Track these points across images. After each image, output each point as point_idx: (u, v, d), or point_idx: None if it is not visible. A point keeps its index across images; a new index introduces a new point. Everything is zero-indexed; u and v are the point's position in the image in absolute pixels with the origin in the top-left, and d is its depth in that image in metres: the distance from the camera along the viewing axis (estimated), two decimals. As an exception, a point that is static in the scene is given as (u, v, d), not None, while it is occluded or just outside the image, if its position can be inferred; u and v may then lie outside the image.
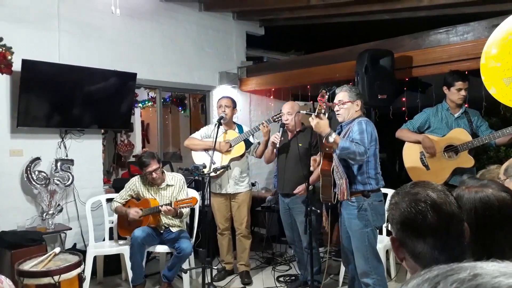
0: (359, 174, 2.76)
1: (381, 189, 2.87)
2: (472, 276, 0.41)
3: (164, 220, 3.56)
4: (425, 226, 0.99)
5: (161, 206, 3.39)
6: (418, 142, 3.34)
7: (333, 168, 2.82)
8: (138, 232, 3.40)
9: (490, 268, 0.42)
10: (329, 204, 2.99)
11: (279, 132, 3.43)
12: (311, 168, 3.08)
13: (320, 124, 2.64)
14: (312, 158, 3.07)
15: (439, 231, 0.98)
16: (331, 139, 2.63)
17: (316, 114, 2.66)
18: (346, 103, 2.82)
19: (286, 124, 3.47)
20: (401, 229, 1.03)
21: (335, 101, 2.87)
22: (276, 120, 3.62)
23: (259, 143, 3.81)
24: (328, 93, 2.72)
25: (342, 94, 2.85)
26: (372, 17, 4.82)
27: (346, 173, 2.74)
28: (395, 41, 3.96)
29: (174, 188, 3.61)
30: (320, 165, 2.91)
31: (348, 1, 4.29)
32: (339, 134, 2.80)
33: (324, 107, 2.69)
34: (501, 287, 0.39)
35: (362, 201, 2.74)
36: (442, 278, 0.42)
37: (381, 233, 3.29)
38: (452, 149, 3.21)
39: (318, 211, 3.22)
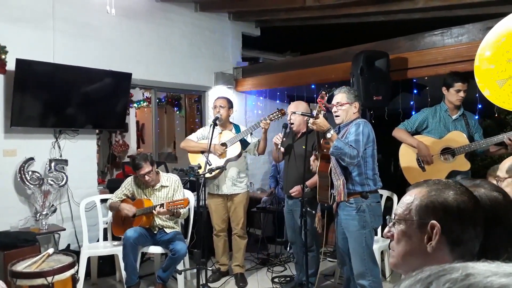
0: (357, 175, 2.76)
1: (378, 190, 2.88)
2: (464, 276, 0.41)
3: (158, 221, 3.55)
4: (479, 215, 0.99)
5: (155, 207, 3.38)
6: (414, 146, 3.34)
7: (330, 169, 2.82)
8: (130, 232, 3.39)
9: (481, 268, 0.43)
10: (326, 205, 3.00)
11: (281, 132, 3.41)
12: (312, 169, 3.09)
13: (318, 123, 2.66)
14: (311, 158, 3.07)
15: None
16: (329, 135, 2.66)
17: (315, 115, 2.67)
18: (344, 104, 2.83)
19: (291, 124, 3.46)
20: (450, 213, 0.98)
21: (333, 102, 2.88)
22: (273, 118, 3.61)
23: (259, 141, 3.81)
24: (327, 95, 2.73)
25: (341, 96, 2.86)
26: (367, 18, 4.83)
27: (343, 174, 2.75)
28: (391, 43, 3.97)
29: (169, 189, 3.60)
30: (318, 166, 2.92)
31: (344, 3, 4.30)
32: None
33: (324, 108, 2.71)
34: (493, 286, 0.39)
35: (361, 202, 2.75)
36: (435, 278, 0.43)
37: (376, 234, 3.30)
38: (448, 152, 3.22)
39: (313, 212, 3.22)
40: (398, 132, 3.46)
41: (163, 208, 3.32)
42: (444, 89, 3.31)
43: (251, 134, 3.80)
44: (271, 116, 3.61)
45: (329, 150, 2.74)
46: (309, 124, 2.74)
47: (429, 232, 0.99)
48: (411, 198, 1.04)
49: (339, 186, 2.74)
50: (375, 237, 3.19)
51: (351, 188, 2.77)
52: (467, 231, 0.97)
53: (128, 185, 3.64)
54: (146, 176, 3.45)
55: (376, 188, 2.83)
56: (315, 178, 3.32)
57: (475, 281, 0.40)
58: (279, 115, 3.62)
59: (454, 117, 3.30)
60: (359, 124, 2.74)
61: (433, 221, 0.98)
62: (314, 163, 3.02)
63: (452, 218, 0.98)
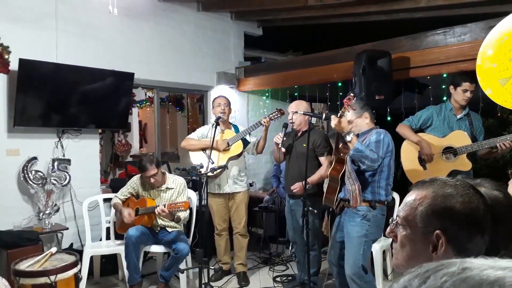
0: (370, 183, 2.76)
1: (387, 202, 2.87)
2: (461, 270, 0.42)
3: (160, 221, 3.56)
4: (487, 222, 0.95)
5: (156, 207, 3.38)
6: (416, 143, 3.33)
7: (342, 173, 2.81)
8: (132, 231, 3.40)
9: (478, 262, 0.44)
10: (330, 209, 3.00)
11: (281, 132, 3.41)
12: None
13: (340, 122, 2.68)
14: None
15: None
16: (348, 138, 2.66)
17: (339, 115, 2.69)
18: (354, 120, 2.85)
19: (292, 123, 3.45)
20: (457, 222, 0.95)
21: None
22: (273, 118, 3.62)
23: (258, 140, 3.81)
24: (355, 97, 2.73)
25: (349, 115, 2.86)
26: (369, 18, 4.83)
27: (359, 180, 2.73)
28: (393, 42, 3.97)
29: (174, 191, 3.60)
30: (330, 169, 2.92)
31: (346, 2, 4.31)
32: None
33: (348, 110, 2.72)
34: (489, 278, 0.40)
35: (367, 211, 2.75)
36: (432, 273, 0.43)
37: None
38: (450, 151, 3.21)
39: (315, 211, 3.22)
40: (402, 128, 3.44)
41: (165, 208, 3.33)
42: (451, 88, 3.29)
43: (250, 134, 3.82)
44: (271, 115, 3.63)
45: (345, 155, 2.74)
46: (331, 123, 2.74)
47: (434, 240, 0.96)
48: (416, 201, 1.00)
49: (354, 191, 2.70)
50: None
51: (360, 194, 2.75)
52: (474, 239, 0.94)
53: (134, 184, 3.65)
54: (152, 178, 3.46)
55: (386, 200, 2.81)
56: (316, 175, 3.33)
57: (472, 274, 0.41)
58: (278, 115, 3.63)
59: (458, 116, 3.28)
60: (380, 133, 2.76)
61: (438, 232, 0.95)
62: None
63: (459, 228, 0.94)
